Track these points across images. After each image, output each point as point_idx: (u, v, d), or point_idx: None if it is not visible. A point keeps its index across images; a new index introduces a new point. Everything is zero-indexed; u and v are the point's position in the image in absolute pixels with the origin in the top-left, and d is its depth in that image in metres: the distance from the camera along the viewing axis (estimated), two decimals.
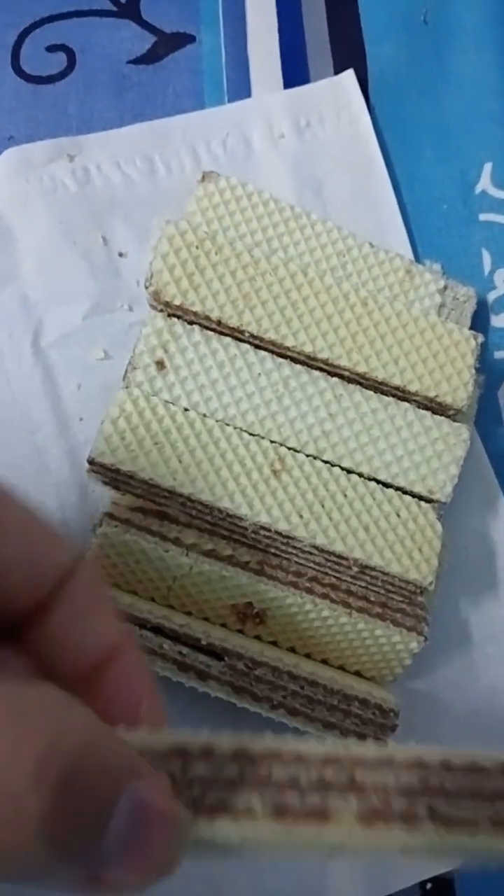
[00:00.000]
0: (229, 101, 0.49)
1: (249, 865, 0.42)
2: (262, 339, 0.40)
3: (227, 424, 0.39)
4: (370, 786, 0.24)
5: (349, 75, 0.49)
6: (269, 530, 0.38)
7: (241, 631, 0.40)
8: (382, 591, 0.40)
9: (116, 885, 0.22)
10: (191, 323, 0.40)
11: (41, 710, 0.21)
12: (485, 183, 0.49)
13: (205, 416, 0.39)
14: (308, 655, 0.40)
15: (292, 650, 0.40)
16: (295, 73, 0.50)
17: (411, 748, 0.25)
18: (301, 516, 0.38)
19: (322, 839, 0.24)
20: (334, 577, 0.40)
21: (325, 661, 0.41)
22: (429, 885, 0.44)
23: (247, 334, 0.40)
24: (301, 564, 0.40)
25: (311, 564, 0.39)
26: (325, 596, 0.39)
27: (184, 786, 0.23)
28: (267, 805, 0.24)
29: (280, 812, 0.24)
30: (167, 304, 0.39)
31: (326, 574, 0.40)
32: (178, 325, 0.40)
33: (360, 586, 0.40)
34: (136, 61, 0.50)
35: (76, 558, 0.27)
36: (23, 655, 0.27)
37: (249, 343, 0.40)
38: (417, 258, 0.48)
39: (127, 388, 0.39)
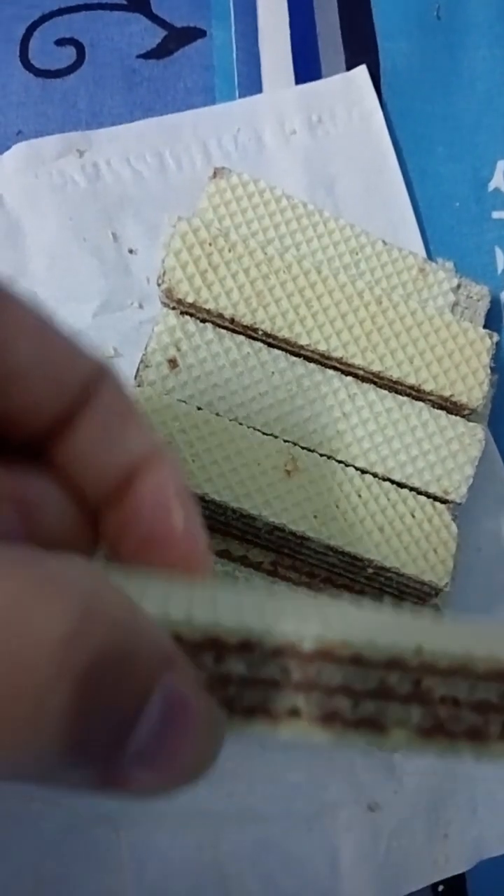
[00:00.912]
0: (240, 96, 0.49)
1: (259, 868, 0.42)
2: (275, 338, 0.39)
3: (240, 424, 0.39)
4: (438, 697, 0.21)
5: (362, 71, 0.49)
6: (282, 531, 0.38)
7: None
8: (396, 593, 0.39)
9: (138, 788, 0.19)
10: (203, 321, 0.40)
11: (67, 582, 0.17)
12: (498, 181, 0.49)
13: (217, 415, 0.39)
14: None
15: None
16: (306, 68, 0.49)
17: (496, 652, 0.22)
18: (315, 517, 0.38)
19: (376, 746, 0.21)
20: (348, 577, 0.39)
21: None
22: (441, 888, 0.44)
23: (260, 332, 0.39)
24: (314, 565, 0.39)
25: (325, 565, 0.39)
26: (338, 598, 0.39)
27: (217, 682, 0.21)
28: (312, 708, 0.21)
29: (329, 718, 0.21)
30: (180, 302, 0.39)
31: (340, 575, 0.39)
32: (191, 324, 0.39)
33: (373, 587, 0.39)
34: (147, 56, 0.49)
35: (100, 368, 0.25)
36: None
37: (262, 341, 0.40)
38: (430, 256, 0.47)
39: (139, 386, 0.38)
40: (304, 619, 0.22)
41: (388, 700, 0.21)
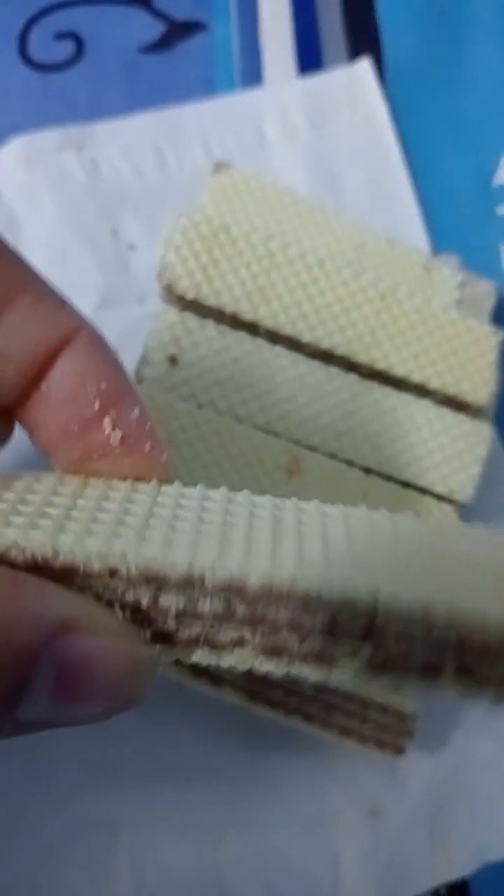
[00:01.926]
0: (242, 90, 0.48)
1: (260, 874, 0.42)
2: (278, 334, 0.39)
3: (242, 423, 0.38)
4: (393, 635, 0.21)
5: (365, 65, 0.48)
6: None
7: None
8: None
9: (61, 724, 0.20)
10: (204, 317, 0.39)
11: None
12: (502, 177, 0.49)
13: (218, 413, 0.38)
14: None
15: None
16: (308, 62, 0.49)
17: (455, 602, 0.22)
18: None
19: (323, 678, 0.22)
20: None
21: None
22: (442, 892, 0.43)
23: (262, 329, 0.39)
24: None
25: None
26: None
27: (157, 614, 0.21)
28: (258, 641, 0.21)
29: (276, 651, 0.21)
30: (180, 298, 0.38)
31: None
32: (192, 320, 0.39)
33: None
34: (147, 49, 0.49)
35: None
36: None
37: (265, 338, 0.39)
38: (434, 253, 0.47)
39: (139, 384, 0.38)
40: (254, 555, 0.21)
41: (338, 637, 0.21)
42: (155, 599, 0.21)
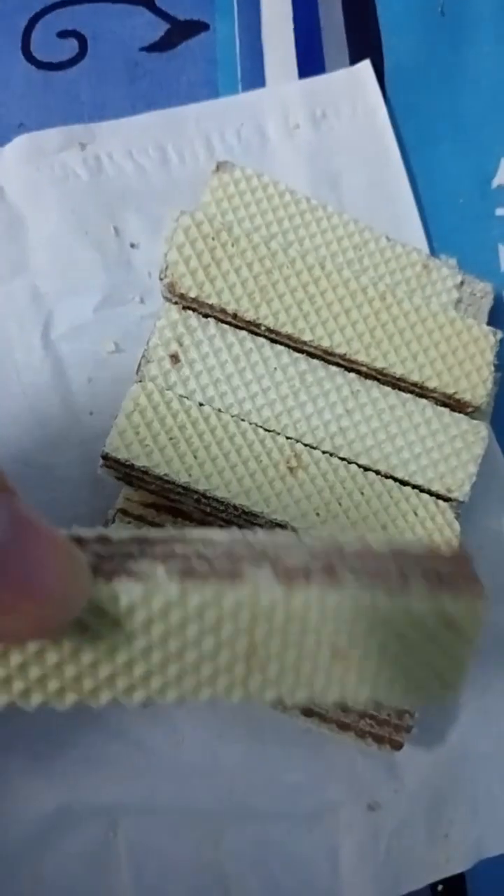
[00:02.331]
0: (243, 90, 0.48)
1: (259, 867, 0.42)
2: (278, 333, 0.39)
3: (243, 420, 0.38)
4: (285, 555, 0.23)
5: (366, 66, 0.49)
6: (284, 528, 0.38)
7: None
8: None
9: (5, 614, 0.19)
10: (206, 316, 0.39)
11: None
12: (501, 178, 0.49)
13: (220, 410, 0.38)
14: None
15: None
16: (310, 63, 0.49)
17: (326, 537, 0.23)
18: (318, 514, 0.38)
19: (235, 600, 0.22)
20: None
21: None
22: (440, 887, 0.43)
23: (263, 328, 0.39)
24: None
25: None
26: None
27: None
28: (172, 570, 0.22)
29: (187, 573, 0.22)
30: (182, 297, 0.39)
31: None
32: (193, 318, 0.39)
33: None
34: (150, 49, 0.49)
35: None
36: None
37: (265, 337, 0.39)
38: (433, 253, 0.47)
39: (140, 381, 0.38)
40: None
41: (240, 559, 0.23)
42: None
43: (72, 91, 0.48)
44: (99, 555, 0.22)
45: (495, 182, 0.49)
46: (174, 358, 0.38)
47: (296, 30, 0.49)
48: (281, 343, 0.39)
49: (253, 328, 0.39)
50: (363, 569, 0.23)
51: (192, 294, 0.38)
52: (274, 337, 0.39)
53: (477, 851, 0.44)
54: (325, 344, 0.39)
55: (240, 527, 0.38)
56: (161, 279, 0.39)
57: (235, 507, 0.37)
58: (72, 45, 0.48)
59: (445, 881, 0.44)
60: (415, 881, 0.43)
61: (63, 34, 0.48)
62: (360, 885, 0.43)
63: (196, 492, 0.37)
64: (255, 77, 0.49)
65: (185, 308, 0.39)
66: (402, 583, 0.23)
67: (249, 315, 0.39)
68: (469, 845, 0.44)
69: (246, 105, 0.48)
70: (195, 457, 0.37)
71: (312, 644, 0.23)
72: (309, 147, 0.48)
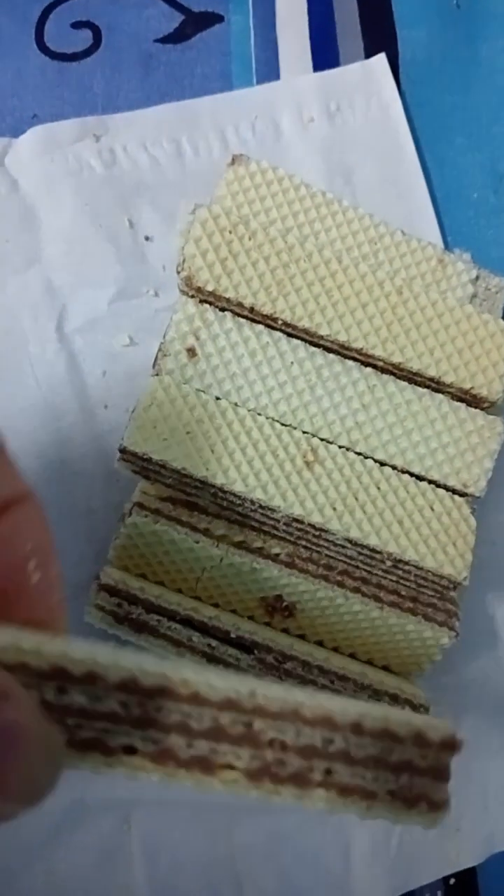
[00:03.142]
0: (258, 83, 0.48)
1: (272, 860, 0.42)
2: (295, 328, 0.39)
3: (259, 414, 0.38)
4: (267, 740, 0.23)
5: (381, 60, 0.49)
6: (301, 522, 0.38)
7: (269, 624, 0.39)
8: (414, 586, 0.39)
9: None
10: (223, 310, 0.39)
11: None
12: None
13: (236, 405, 0.38)
14: (336, 649, 0.40)
15: (319, 644, 0.40)
16: (325, 56, 0.49)
17: (322, 701, 0.23)
18: (335, 509, 0.38)
19: (206, 788, 0.23)
20: (365, 570, 0.39)
21: (352, 656, 0.40)
22: (452, 881, 0.44)
23: (280, 322, 0.39)
24: (332, 557, 0.39)
25: (342, 557, 0.39)
26: (356, 590, 0.38)
27: (58, 712, 0.22)
28: (148, 746, 0.22)
29: (162, 756, 0.22)
30: (199, 290, 0.39)
31: (357, 567, 0.39)
32: (210, 312, 0.39)
33: (391, 580, 0.39)
34: (164, 40, 0.49)
35: None
36: None
37: (282, 331, 0.39)
38: (447, 247, 0.47)
39: (157, 375, 0.38)
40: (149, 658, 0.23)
41: (219, 740, 0.23)
42: (59, 693, 0.22)
43: (85, 82, 0.48)
44: (79, 711, 0.22)
45: None
46: (191, 352, 0.38)
47: (310, 22, 0.49)
48: (297, 337, 0.39)
49: (270, 322, 0.39)
50: (336, 782, 0.23)
51: (210, 288, 0.38)
52: (291, 331, 0.39)
53: (489, 846, 0.44)
54: (342, 338, 0.39)
55: (257, 523, 0.38)
56: (178, 273, 0.39)
57: (252, 502, 0.37)
58: (86, 37, 0.48)
59: (457, 875, 0.44)
60: (426, 875, 0.44)
61: (77, 25, 0.48)
62: (372, 879, 0.43)
63: (213, 486, 0.37)
64: (269, 70, 0.49)
65: (201, 302, 0.39)
66: (370, 803, 0.24)
67: (266, 309, 0.39)
68: (480, 840, 0.44)
69: (260, 98, 0.48)
70: (212, 451, 0.37)
71: None
72: (323, 140, 0.47)
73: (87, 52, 0.48)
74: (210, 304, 0.39)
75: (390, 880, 0.43)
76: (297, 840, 0.43)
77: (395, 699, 0.38)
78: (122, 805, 0.42)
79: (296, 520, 0.38)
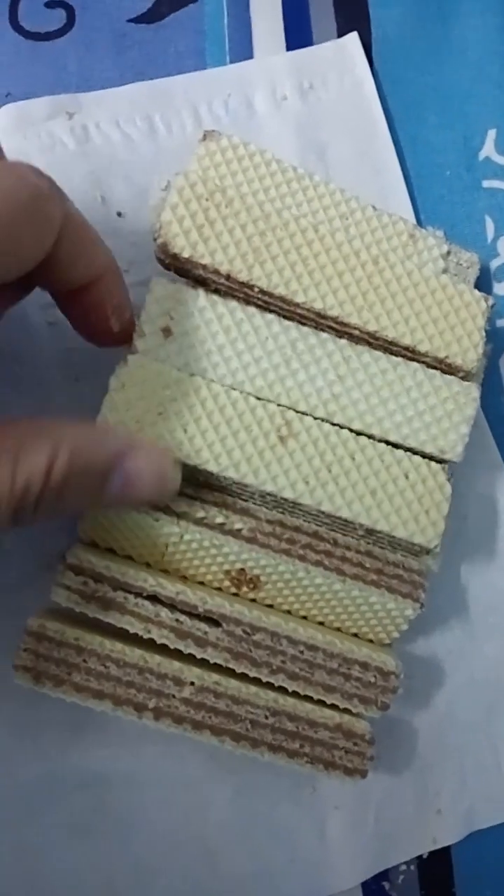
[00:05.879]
0: (231, 61, 0.48)
1: (246, 840, 0.42)
2: (271, 295, 0.39)
3: (234, 389, 0.38)
4: None
5: (353, 38, 0.49)
6: (275, 497, 0.38)
7: (237, 594, 0.39)
8: (389, 548, 0.39)
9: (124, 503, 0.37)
10: (197, 281, 0.39)
11: (58, 433, 0.32)
12: (488, 149, 0.49)
13: (212, 381, 0.38)
14: (304, 618, 0.40)
15: (289, 614, 0.40)
16: (298, 35, 0.49)
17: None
18: (307, 483, 0.38)
19: None
20: (331, 542, 0.39)
21: (321, 624, 0.40)
22: (425, 854, 0.43)
23: (256, 290, 0.39)
24: (302, 531, 0.39)
25: (319, 527, 0.39)
26: (318, 563, 0.39)
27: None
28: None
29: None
30: (175, 258, 0.38)
31: (326, 541, 0.39)
32: (183, 291, 0.39)
33: (358, 552, 0.39)
34: (137, 20, 0.49)
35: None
36: None
37: (258, 299, 0.39)
38: (420, 224, 0.47)
39: (132, 354, 0.38)
40: None
41: None
42: None
43: (59, 61, 0.47)
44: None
45: (482, 154, 0.49)
46: (166, 331, 0.38)
47: (284, 1, 0.49)
48: (273, 306, 0.39)
49: (246, 290, 0.39)
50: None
51: (186, 254, 0.38)
52: (266, 299, 0.39)
53: (467, 824, 0.44)
54: (318, 306, 0.39)
55: (232, 498, 0.38)
56: (155, 240, 0.39)
57: (225, 478, 0.37)
58: (59, 16, 0.48)
59: (430, 853, 0.44)
60: (404, 853, 0.43)
61: (50, 4, 0.48)
62: (348, 856, 0.43)
63: (185, 465, 0.37)
64: (242, 48, 0.49)
65: (176, 270, 0.39)
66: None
67: (242, 276, 0.38)
68: (459, 817, 0.44)
69: (234, 76, 0.48)
70: (185, 431, 0.37)
71: None
72: (296, 118, 0.48)
73: (60, 32, 0.48)
74: (185, 272, 0.39)
75: (367, 859, 0.43)
76: (271, 819, 0.42)
77: (364, 667, 0.38)
78: (95, 782, 0.41)
79: (270, 494, 0.38)
